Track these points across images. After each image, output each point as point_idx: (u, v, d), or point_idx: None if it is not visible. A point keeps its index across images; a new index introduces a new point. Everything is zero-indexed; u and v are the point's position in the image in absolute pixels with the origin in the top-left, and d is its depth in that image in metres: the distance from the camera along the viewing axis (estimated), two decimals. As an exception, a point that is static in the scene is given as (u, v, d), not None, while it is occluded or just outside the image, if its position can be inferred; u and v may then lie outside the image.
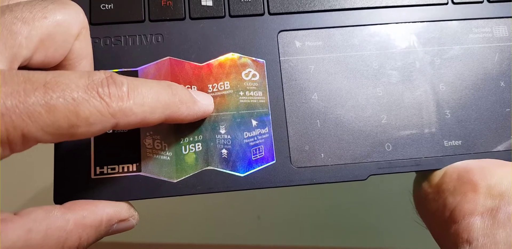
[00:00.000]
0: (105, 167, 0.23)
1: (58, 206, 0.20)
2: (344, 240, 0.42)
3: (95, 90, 0.17)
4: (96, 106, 0.17)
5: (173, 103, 0.20)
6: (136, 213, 0.22)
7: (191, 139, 0.24)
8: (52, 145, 0.23)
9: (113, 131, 0.23)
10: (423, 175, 0.24)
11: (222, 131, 0.24)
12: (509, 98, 0.25)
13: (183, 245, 0.42)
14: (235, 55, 0.25)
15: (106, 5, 0.26)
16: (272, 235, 0.42)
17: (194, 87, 0.24)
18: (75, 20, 0.20)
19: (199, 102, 0.22)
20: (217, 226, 0.42)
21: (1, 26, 0.18)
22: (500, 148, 0.24)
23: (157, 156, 0.23)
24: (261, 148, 0.24)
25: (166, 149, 0.23)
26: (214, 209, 0.42)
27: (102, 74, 0.18)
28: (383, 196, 0.42)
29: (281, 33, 0.26)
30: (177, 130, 0.24)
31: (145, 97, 0.18)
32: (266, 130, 0.24)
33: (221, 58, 0.25)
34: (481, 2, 0.27)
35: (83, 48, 0.21)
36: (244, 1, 0.26)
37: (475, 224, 0.20)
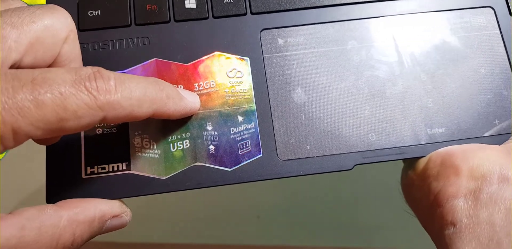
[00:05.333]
0: (96, 167, 0.23)
1: (50, 204, 0.20)
2: (344, 239, 0.42)
3: (82, 84, 0.18)
4: (83, 100, 0.17)
5: (160, 98, 0.21)
6: (129, 209, 0.22)
7: (179, 136, 0.24)
8: (44, 146, 0.23)
9: (103, 131, 0.24)
10: (410, 163, 0.25)
11: (209, 128, 0.24)
12: (490, 85, 0.25)
13: (182, 245, 0.42)
14: (220, 54, 0.26)
15: (94, 12, 0.26)
16: (272, 235, 0.42)
17: (180, 86, 0.25)
18: (63, 24, 0.21)
19: (186, 99, 0.23)
20: (216, 226, 0.42)
21: None
22: (485, 133, 0.25)
23: (146, 154, 0.24)
24: (247, 143, 0.24)
25: (155, 147, 0.24)
26: (213, 208, 0.42)
27: (89, 69, 0.18)
28: (382, 195, 0.42)
29: (263, 31, 0.26)
30: (165, 128, 0.24)
31: (132, 91, 0.19)
32: (252, 125, 0.24)
33: (206, 57, 0.26)
34: (459, -7, 0.28)
35: (72, 51, 0.22)
36: (227, 2, 0.27)
37: (459, 206, 0.20)
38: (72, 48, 0.21)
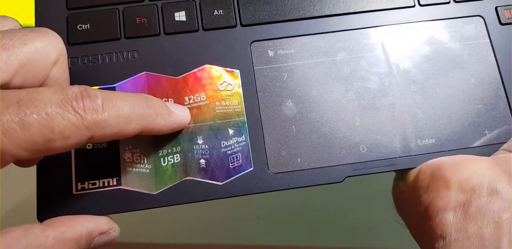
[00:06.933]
0: (86, 182, 0.23)
1: (37, 224, 0.20)
2: (344, 239, 0.42)
3: (69, 104, 0.18)
4: (70, 120, 0.17)
5: (148, 114, 0.21)
6: (116, 225, 0.22)
7: (169, 150, 0.24)
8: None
9: (93, 146, 0.24)
10: (400, 174, 0.25)
11: (200, 141, 0.24)
12: (480, 95, 0.25)
13: (183, 245, 0.42)
14: (210, 67, 0.26)
15: (83, 25, 0.26)
16: (271, 235, 0.42)
17: (171, 100, 0.25)
18: (54, 48, 0.21)
19: (175, 114, 0.23)
20: (217, 226, 0.42)
21: None
22: (475, 143, 0.25)
23: (137, 169, 0.24)
24: (238, 156, 0.24)
25: (145, 162, 0.24)
26: (213, 209, 0.42)
27: (76, 88, 0.18)
28: (382, 195, 0.42)
29: (253, 43, 0.26)
30: (156, 143, 0.24)
31: (120, 109, 0.19)
32: (243, 138, 0.24)
33: (197, 70, 0.26)
34: (448, 3, 0.28)
35: (61, 75, 0.22)
36: (217, 14, 0.27)
37: (448, 219, 0.20)
38: (61, 72, 0.21)
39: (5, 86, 0.19)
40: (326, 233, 0.42)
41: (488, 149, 0.24)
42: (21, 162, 0.21)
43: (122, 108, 0.19)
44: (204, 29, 0.27)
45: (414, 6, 0.27)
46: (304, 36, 0.27)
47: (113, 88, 0.25)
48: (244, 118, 0.25)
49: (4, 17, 0.22)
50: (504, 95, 0.25)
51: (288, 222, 0.43)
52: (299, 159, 0.24)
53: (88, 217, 0.22)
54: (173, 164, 0.24)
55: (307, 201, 0.43)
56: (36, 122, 0.17)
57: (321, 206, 0.43)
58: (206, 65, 0.26)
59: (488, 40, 0.27)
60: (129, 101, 0.20)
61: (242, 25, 0.27)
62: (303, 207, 0.43)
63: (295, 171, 0.24)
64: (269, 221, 0.43)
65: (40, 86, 0.21)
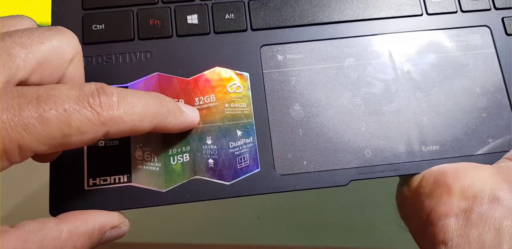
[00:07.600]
0: (98, 179, 0.24)
1: (51, 218, 0.21)
2: (344, 240, 0.42)
3: (85, 100, 0.18)
4: (87, 116, 0.18)
5: (162, 112, 0.21)
6: (127, 220, 0.23)
7: (179, 150, 0.25)
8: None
9: (105, 144, 0.25)
10: (404, 179, 0.25)
11: (209, 142, 0.25)
12: (484, 103, 0.26)
13: (183, 245, 0.42)
14: (220, 70, 0.26)
15: (98, 26, 0.27)
16: (271, 235, 0.42)
17: (181, 101, 0.26)
18: (70, 46, 0.21)
19: (186, 114, 0.23)
20: (217, 226, 0.43)
21: (0, 49, 0.19)
22: (478, 151, 0.25)
23: (147, 167, 0.24)
24: (246, 157, 0.25)
25: (155, 160, 0.24)
26: (214, 209, 0.42)
27: (92, 85, 0.19)
28: (382, 195, 0.42)
29: (263, 47, 0.27)
30: (166, 142, 0.25)
31: (134, 106, 0.20)
32: (250, 140, 0.25)
33: (207, 72, 0.26)
34: (455, 12, 0.28)
35: (76, 72, 0.22)
36: (228, 18, 0.28)
37: (450, 225, 0.21)
38: (77, 70, 0.22)
39: (23, 84, 0.20)
40: (326, 233, 0.42)
41: (491, 157, 0.25)
42: (39, 157, 0.21)
43: (137, 106, 0.20)
44: (215, 32, 0.27)
45: (421, 14, 0.28)
46: (313, 42, 0.27)
47: (126, 88, 0.26)
48: (252, 120, 0.25)
49: (21, 16, 0.23)
50: (509, 104, 0.26)
51: (288, 222, 0.43)
52: (305, 162, 0.25)
53: (100, 212, 0.22)
54: (182, 163, 0.24)
55: (308, 201, 0.43)
56: (55, 118, 0.17)
57: (321, 206, 0.43)
58: (216, 68, 0.26)
59: (494, 50, 0.27)
60: (143, 99, 0.20)
61: (252, 29, 0.27)
62: (303, 207, 0.43)
63: (301, 173, 0.25)
64: (269, 221, 0.43)
65: (56, 83, 0.21)
